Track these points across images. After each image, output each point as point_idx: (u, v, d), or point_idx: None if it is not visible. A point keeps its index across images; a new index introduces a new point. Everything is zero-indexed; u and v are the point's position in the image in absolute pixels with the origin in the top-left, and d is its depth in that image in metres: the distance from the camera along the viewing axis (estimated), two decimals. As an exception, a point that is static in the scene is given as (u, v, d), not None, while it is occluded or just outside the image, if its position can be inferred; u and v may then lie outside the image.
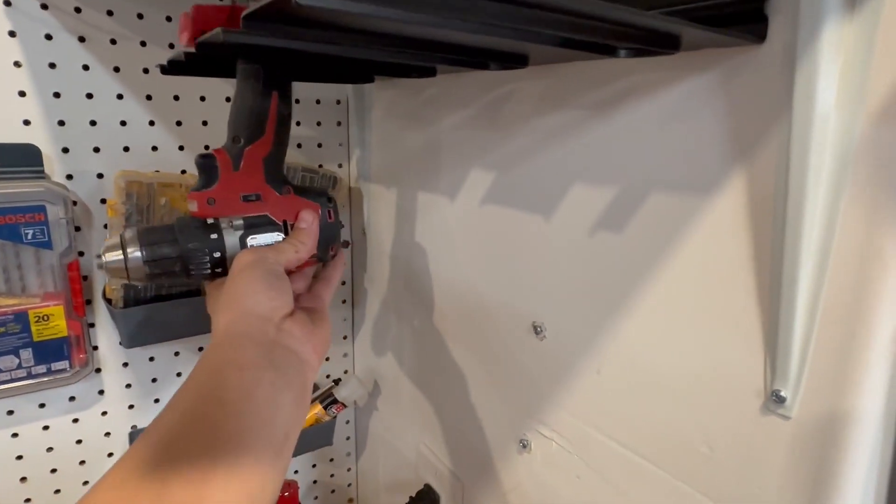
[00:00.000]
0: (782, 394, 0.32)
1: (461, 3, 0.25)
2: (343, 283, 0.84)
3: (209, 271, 0.44)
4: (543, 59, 0.44)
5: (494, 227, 0.53)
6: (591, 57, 0.40)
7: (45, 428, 0.64)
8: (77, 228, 0.61)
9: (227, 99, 0.68)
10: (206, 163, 0.44)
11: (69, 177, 0.60)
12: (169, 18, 0.62)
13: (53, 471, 0.66)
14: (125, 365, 0.68)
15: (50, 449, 0.65)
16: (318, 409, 0.78)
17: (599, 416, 0.45)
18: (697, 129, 0.35)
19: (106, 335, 0.65)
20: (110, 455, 0.69)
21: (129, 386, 0.69)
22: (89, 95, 0.60)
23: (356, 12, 0.24)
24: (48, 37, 0.57)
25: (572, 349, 0.46)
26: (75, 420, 0.66)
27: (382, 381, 0.80)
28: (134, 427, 0.70)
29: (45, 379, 0.59)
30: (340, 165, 0.80)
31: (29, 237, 0.55)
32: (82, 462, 0.68)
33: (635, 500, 0.42)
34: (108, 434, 0.68)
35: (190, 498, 0.28)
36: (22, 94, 0.57)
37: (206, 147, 0.68)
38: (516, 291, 0.52)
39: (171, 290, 0.64)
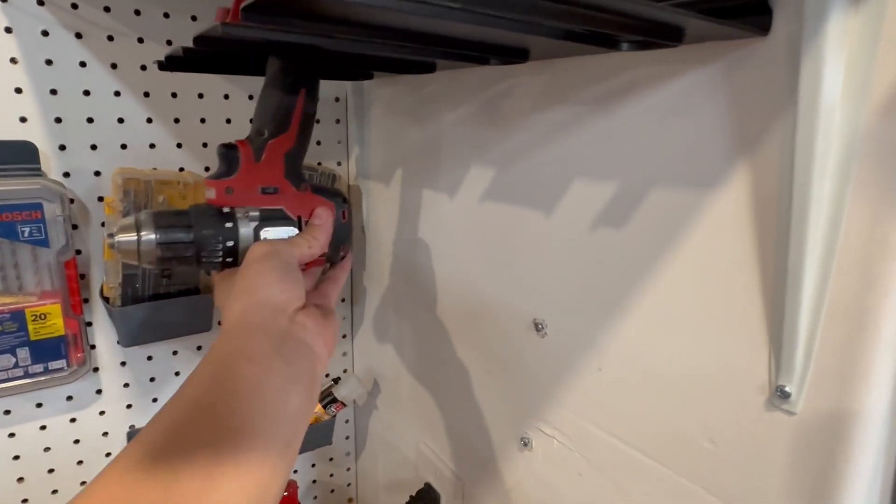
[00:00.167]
0: (787, 389, 0.32)
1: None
2: (343, 281, 0.83)
3: (220, 260, 0.44)
4: (544, 53, 0.44)
5: (495, 224, 0.53)
6: (592, 51, 0.40)
7: (43, 428, 0.64)
8: (74, 226, 0.61)
9: (226, 96, 0.68)
10: (228, 152, 0.44)
11: (66, 174, 0.60)
12: (167, 14, 0.62)
13: (51, 471, 0.66)
14: (123, 364, 0.67)
15: (47, 449, 0.65)
16: (318, 408, 0.77)
17: (601, 414, 0.45)
18: (700, 124, 0.35)
19: (104, 334, 0.65)
20: (108, 455, 0.69)
21: (127, 385, 0.68)
22: (86, 92, 0.59)
23: (359, 1, 0.24)
24: (45, 33, 0.56)
25: (573, 346, 0.46)
26: (73, 420, 0.66)
27: (382, 379, 0.80)
28: (132, 426, 0.69)
29: (43, 378, 0.58)
30: (339, 163, 0.79)
31: (25, 235, 0.55)
32: (80, 462, 0.67)
33: (637, 497, 0.42)
34: (105, 434, 0.68)
35: (199, 488, 0.27)
36: (18, 90, 0.56)
37: (205, 144, 0.67)
38: (517, 289, 0.52)
39: (170, 288, 0.63)
